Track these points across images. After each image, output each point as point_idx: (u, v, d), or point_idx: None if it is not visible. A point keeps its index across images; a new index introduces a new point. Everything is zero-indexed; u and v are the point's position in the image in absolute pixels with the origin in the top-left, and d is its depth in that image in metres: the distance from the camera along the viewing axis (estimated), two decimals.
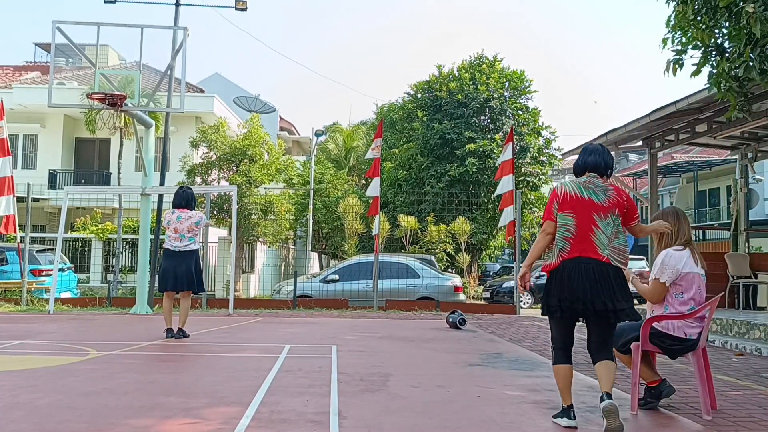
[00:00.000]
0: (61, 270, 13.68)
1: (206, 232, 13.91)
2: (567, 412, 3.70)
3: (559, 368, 3.74)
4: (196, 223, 7.67)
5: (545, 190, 28.25)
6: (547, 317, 3.88)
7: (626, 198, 3.73)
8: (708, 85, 6.31)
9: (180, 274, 7.52)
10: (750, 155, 11.48)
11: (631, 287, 4.00)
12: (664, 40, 6.18)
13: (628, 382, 5.18)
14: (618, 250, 3.64)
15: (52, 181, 24.23)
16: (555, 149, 25.07)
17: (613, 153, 7.55)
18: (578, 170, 3.85)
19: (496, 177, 13.94)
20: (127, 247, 20.34)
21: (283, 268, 24.88)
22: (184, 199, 7.80)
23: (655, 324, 4.15)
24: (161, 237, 7.93)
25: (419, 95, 25.78)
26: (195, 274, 7.63)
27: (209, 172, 20.34)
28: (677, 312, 4.10)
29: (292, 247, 27.39)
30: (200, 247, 7.89)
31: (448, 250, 21.45)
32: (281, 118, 40.48)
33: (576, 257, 3.61)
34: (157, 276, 8.53)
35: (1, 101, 12.88)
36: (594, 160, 3.77)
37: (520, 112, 24.78)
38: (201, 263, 7.80)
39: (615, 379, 3.71)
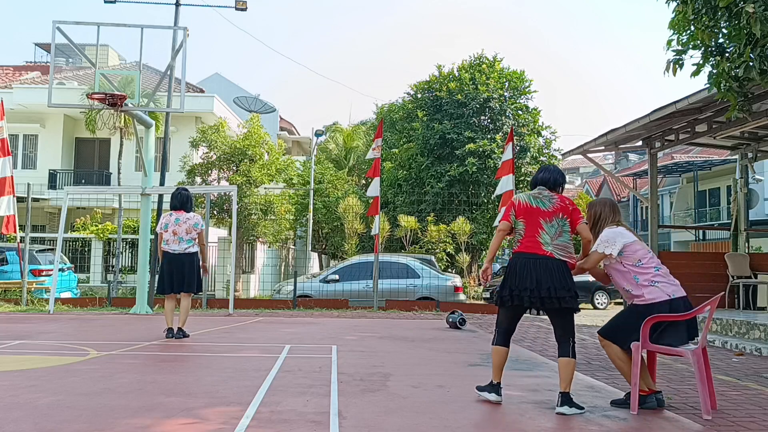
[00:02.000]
0: (61, 270, 13.68)
1: (206, 233, 13.90)
2: (495, 388, 4.37)
3: (498, 349, 4.37)
4: (195, 225, 7.65)
5: None
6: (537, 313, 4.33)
7: (569, 203, 4.37)
8: (708, 85, 6.31)
9: (180, 276, 7.51)
10: (750, 155, 11.47)
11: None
12: (669, 42, 6.17)
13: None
14: (560, 246, 4.24)
15: (52, 181, 24.22)
16: (555, 149, 25.08)
17: (612, 153, 7.56)
18: (532, 183, 4.55)
19: (497, 176, 13.96)
20: (127, 247, 20.34)
21: (283, 268, 24.89)
22: (180, 201, 7.74)
23: (636, 302, 4.27)
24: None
25: (419, 95, 25.78)
26: (196, 275, 7.64)
27: (209, 172, 20.34)
28: (646, 277, 4.25)
29: (292, 247, 27.39)
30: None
31: (448, 250, 21.45)
32: (281, 118, 40.48)
33: (524, 253, 4.26)
34: (156, 277, 8.52)
35: (1, 101, 12.88)
36: (544, 176, 4.47)
37: (520, 112, 24.78)
38: (200, 264, 7.79)
39: (573, 377, 4.18)
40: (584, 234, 4.37)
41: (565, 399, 4.08)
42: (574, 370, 4.18)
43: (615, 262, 4.35)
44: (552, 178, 4.43)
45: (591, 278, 19.94)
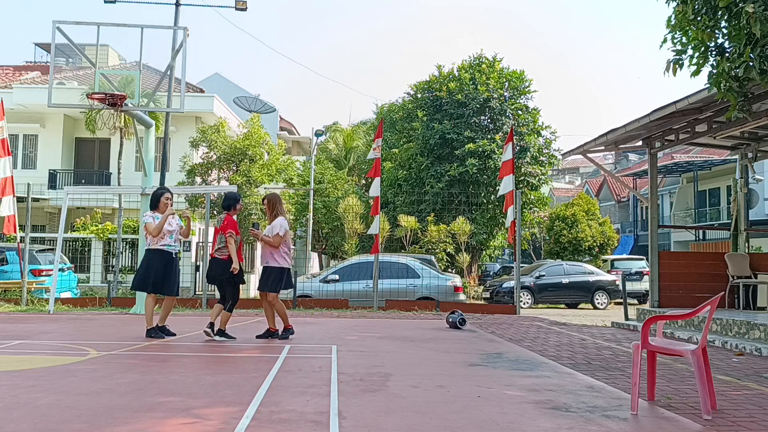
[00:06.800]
0: (61, 270, 13.68)
1: (206, 232, 13.92)
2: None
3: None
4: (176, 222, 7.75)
5: (545, 189, 28.25)
6: None
7: (227, 223, 7.26)
8: (708, 85, 6.30)
9: (164, 276, 7.50)
10: (750, 155, 11.47)
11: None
12: (665, 40, 6.17)
13: (628, 382, 5.18)
14: (219, 250, 7.25)
15: (52, 181, 24.22)
16: (555, 149, 25.09)
17: (613, 153, 7.56)
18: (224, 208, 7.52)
19: (499, 176, 13.97)
20: (127, 247, 20.34)
21: None
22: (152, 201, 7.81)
23: (272, 264, 7.40)
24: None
25: (419, 95, 25.79)
26: (177, 276, 7.70)
27: (209, 172, 20.35)
28: (282, 252, 7.42)
29: (292, 247, 27.40)
30: (180, 249, 8.00)
31: (448, 250, 21.46)
32: (281, 118, 40.48)
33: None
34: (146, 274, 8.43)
35: (1, 101, 12.88)
36: (225, 204, 7.43)
37: (520, 112, 24.78)
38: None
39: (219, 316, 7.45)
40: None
41: (217, 331, 7.37)
42: (220, 312, 7.41)
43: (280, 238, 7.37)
44: (226, 204, 7.39)
45: (591, 278, 19.89)
